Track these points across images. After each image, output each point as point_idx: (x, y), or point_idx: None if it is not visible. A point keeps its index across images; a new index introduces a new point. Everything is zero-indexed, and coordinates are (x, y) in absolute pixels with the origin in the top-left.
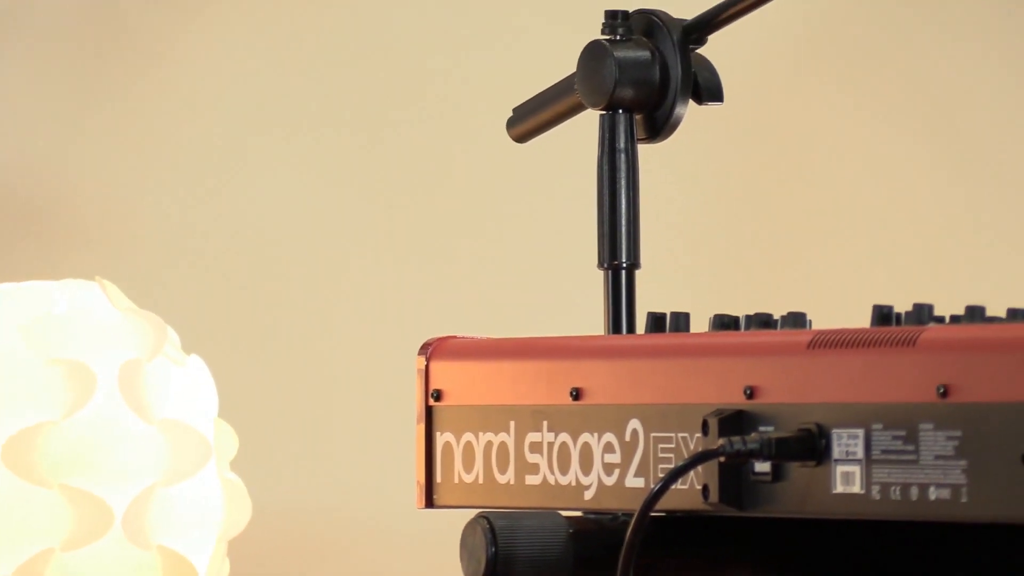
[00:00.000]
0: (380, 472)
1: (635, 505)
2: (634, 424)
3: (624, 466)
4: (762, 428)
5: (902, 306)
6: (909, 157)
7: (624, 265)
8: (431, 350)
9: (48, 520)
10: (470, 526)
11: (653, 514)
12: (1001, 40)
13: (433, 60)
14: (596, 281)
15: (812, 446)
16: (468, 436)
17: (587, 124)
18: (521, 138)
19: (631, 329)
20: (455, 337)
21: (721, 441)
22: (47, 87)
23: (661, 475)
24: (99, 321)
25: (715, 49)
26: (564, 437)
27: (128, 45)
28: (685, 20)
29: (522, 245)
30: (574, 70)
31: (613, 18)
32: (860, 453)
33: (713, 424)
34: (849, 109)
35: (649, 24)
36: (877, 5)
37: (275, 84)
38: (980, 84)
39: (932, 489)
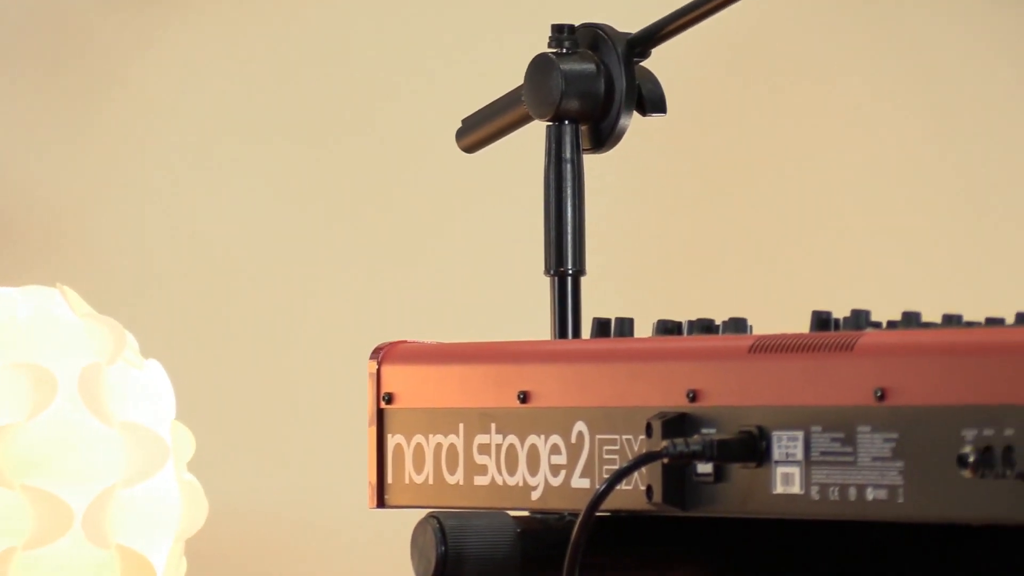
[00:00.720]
0: (333, 473)
1: (581, 505)
2: (580, 426)
3: (570, 467)
4: (704, 430)
5: (840, 312)
6: (844, 165)
7: (570, 272)
8: (382, 354)
9: (10, 520)
10: (420, 526)
11: (598, 514)
12: (928, 50)
13: (385, 74)
14: (543, 287)
15: (753, 448)
16: (418, 438)
17: (534, 135)
18: (470, 148)
19: (577, 334)
20: (406, 342)
21: (664, 443)
22: (8, 97)
23: (606, 476)
24: (60, 326)
25: (658, 61)
26: (512, 439)
27: (89, 55)
28: (629, 34)
29: (471, 252)
30: (521, 82)
31: (559, 32)
32: (800, 455)
33: (657, 426)
34: (786, 119)
35: (594, 38)
36: (811, 17)
37: (234, 95)
38: (910, 91)
39: (869, 490)
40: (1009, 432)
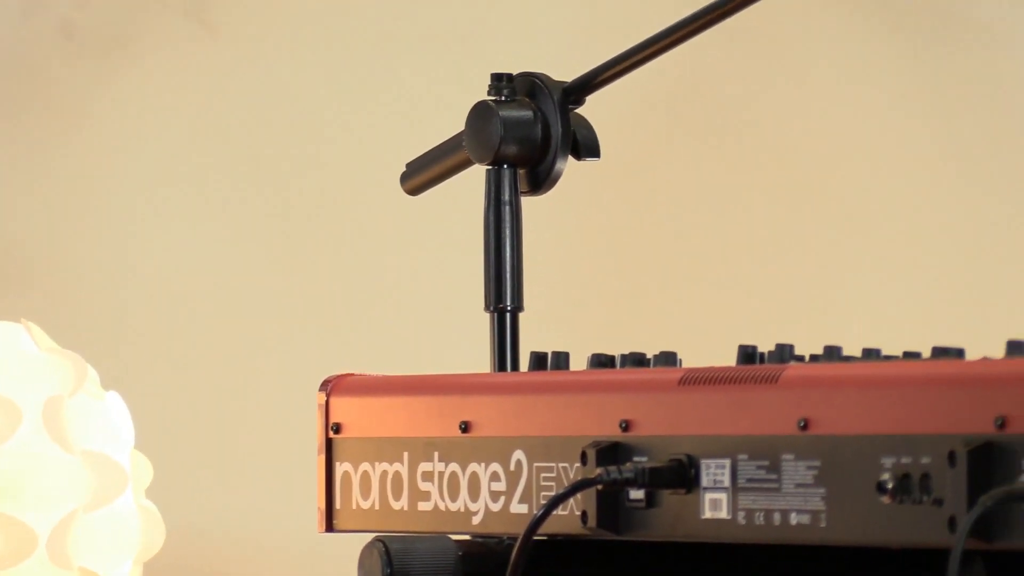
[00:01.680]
0: (284, 499)
1: (519, 529)
2: (518, 455)
3: (509, 493)
4: (636, 458)
5: (765, 346)
6: (767, 207)
7: (508, 308)
8: (331, 387)
9: None
10: (367, 549)
11: (536, 538)
12: (861, 101)
13: (333, 118)
14: (483, 323)
15: (683, 475)
16: (365, 466)
17: (474, 178)
18: (414, 191)
19: (515, 367)
20: (353, 375)
21: (599, 470)
22: None
23: (543, 502)
24: (24, 360)
25: (592, 108)
26: (454, 467)
27: (50, 98)
28: (564, 82)
29: (415, 289)
30: (462, 128)
31: (498, 80)
32: (727, 482)
33: (591, 455)
34: (714, 163)
35: (532, 86)
36: (742, 65)
37: (188, 138)
38: (837, 138)
39: (793, 515)
40: (926, 460)
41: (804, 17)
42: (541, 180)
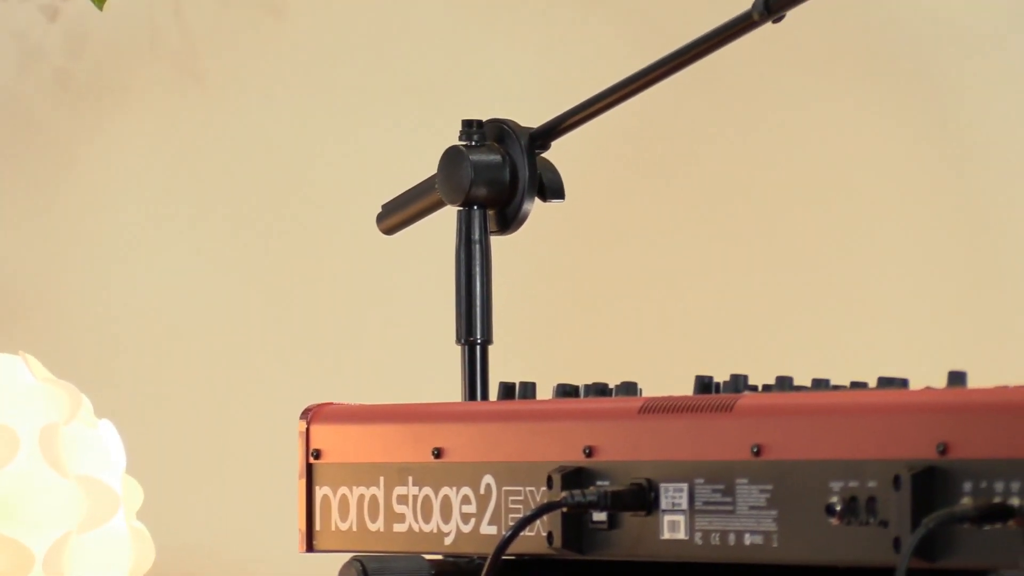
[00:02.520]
0: (267, 521)
1: (489, 549)
2: (488, 479)
3: (479, 516)
4: (599, 483)
5: (721, 376)
6: (720, 246)
7: (479, 341)
8: (311, 415)
9: None
10: (345, 568)
11: (504, 557)
12: (812, 143)
13: (312, 163)
14: (454, 355)
15: (643, 498)
16: (343, 490)
17: (446, 219)
18: (389, 231)
19: (485, 396)
20: (332, 404)
21: (564, 494)
22: None
23: (511, 523)
24: (22, 390)
25: (557, 152)
26: (427, 490)
27: (44, 141)
28: (531, 128)
29: (390, 323)
30: (435, 171)
31: (469, 126)
32: (685, 504)
33: (556, 479)
34: (670, 204)
35: (500, 131)
36: (698, 111)
37: (175, 179)
38: (788, 178)
39: (747, 536)
40: (872, 484)
41: (757, 63)
42: (509, 220)
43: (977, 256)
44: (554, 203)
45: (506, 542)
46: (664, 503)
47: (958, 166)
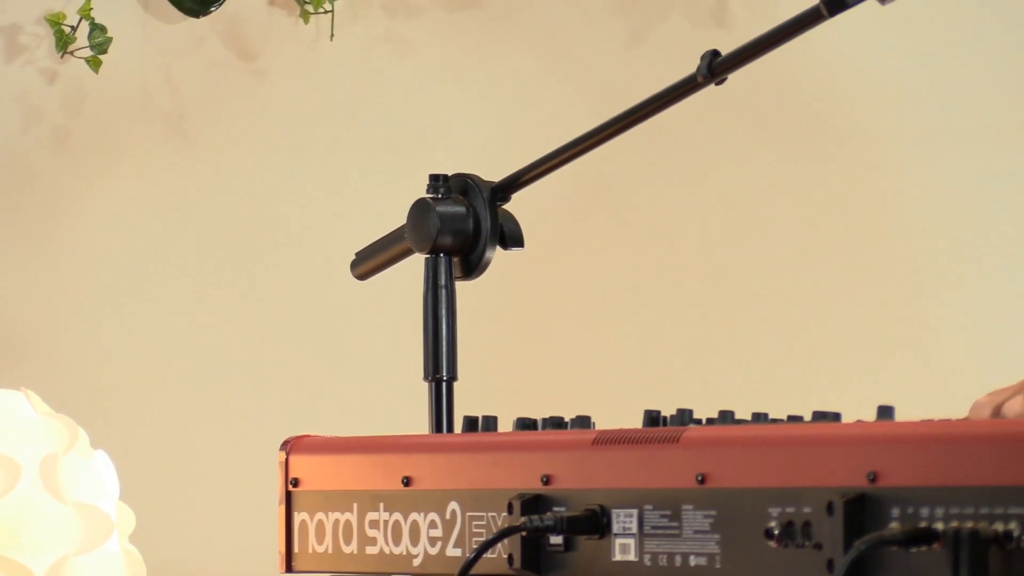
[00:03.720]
0: (250, 543)
1: (454, 571)
2: (453, 505)
3: (445, 539)
4: (556, 508)
5: (668, 410)
6: (663, 289)
7: (444, 378)
8: (290, 446)
9: None
10: None
11: None
12: (735, 197)
13: (292, 214)
14: (422, 391)
15: (596, 523)
16: (320, 515)
17: (414, 265)
18: (362, 276)
19: (450, 429)
20: (309, 436)
21: (523, 519)
22: None
23: (475, 546)
24: (23, 423)
25: (517, 204)
26: (397, 516)
27: (48, 198)
28: (493, 182)
29: (363, 362)
30: (405, 222)
31: (435, 180)
32: (635, 528)
33: (516, 505)
34: (620, 250)
35: (464, 185)
36: (644, 167)
37: (165, 232)
38: (719, 227)
39: (692, 557)
40: (807, 510)
41: (697, 125)
42: (473, 267)
43: (899, 300)
44: (514, 250)
45: (470, 564)
46: (616, 527)
47: (879, 216)
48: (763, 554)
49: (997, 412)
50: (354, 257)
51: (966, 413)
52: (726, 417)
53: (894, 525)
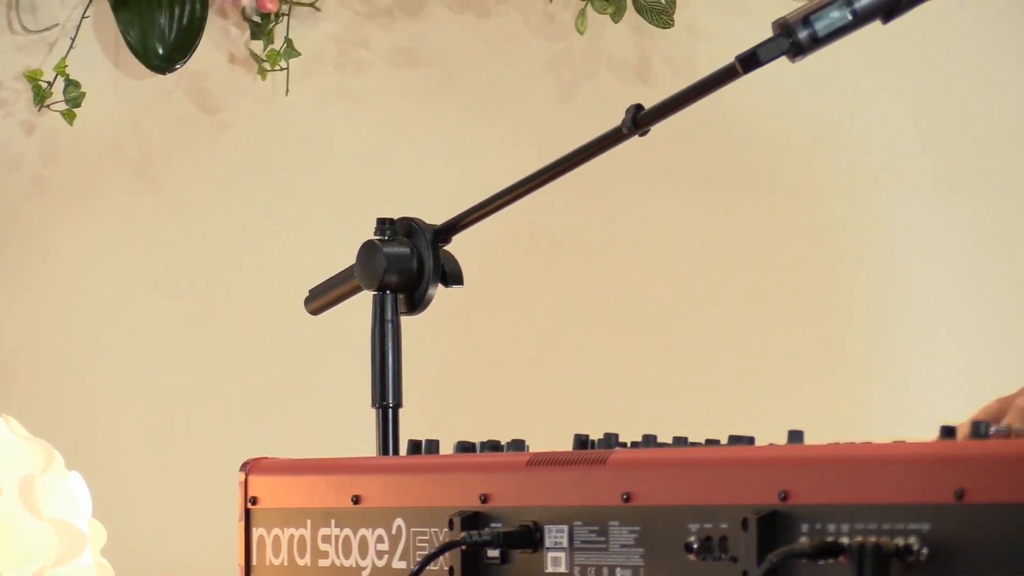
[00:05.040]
0: (211, 557)
1: None
2: (399, 522)
3: (391, 553)
4: (493, 525)
5: (595, 434)
6: (592, 322)
7: (391, 405)
8: (249, 467)
9: None
10: None
11: None
12: (658, 238)
13: (250, 254)
14: (370, 416)
15: (530, 538)
16: (276, 530)
17: (363, 302)
18: (315, 311)
19: (396, 452)
20: (266, 458)
21: (463, 534)
22: None
23: (418, 560)
24: (4, 446)
25: (457, 245)
26: (347, 531)
27: (27, 239)
28: (435, 225)
29: (317, 390)
30: (354, 262)
31: (383, 223)
32: (565, 543)
33: (456, 522)
34: (549, 286)
35: (409, 228)
36: (576, 210)
37: (134, 269)
38: (645, 265)
39: (618, 570)
40: (724, 525)
41: (626, 170)
42: (417, 303)
43: (810, 333)
44: (454, 288)
45: (413, 575)
46: (548, 542)
47: (791, 253)
48: (683, 567)
49: (1003, 409)
50: (308, 294)
51: (870, 438)
52: (649, 441)
53: (803, 540)
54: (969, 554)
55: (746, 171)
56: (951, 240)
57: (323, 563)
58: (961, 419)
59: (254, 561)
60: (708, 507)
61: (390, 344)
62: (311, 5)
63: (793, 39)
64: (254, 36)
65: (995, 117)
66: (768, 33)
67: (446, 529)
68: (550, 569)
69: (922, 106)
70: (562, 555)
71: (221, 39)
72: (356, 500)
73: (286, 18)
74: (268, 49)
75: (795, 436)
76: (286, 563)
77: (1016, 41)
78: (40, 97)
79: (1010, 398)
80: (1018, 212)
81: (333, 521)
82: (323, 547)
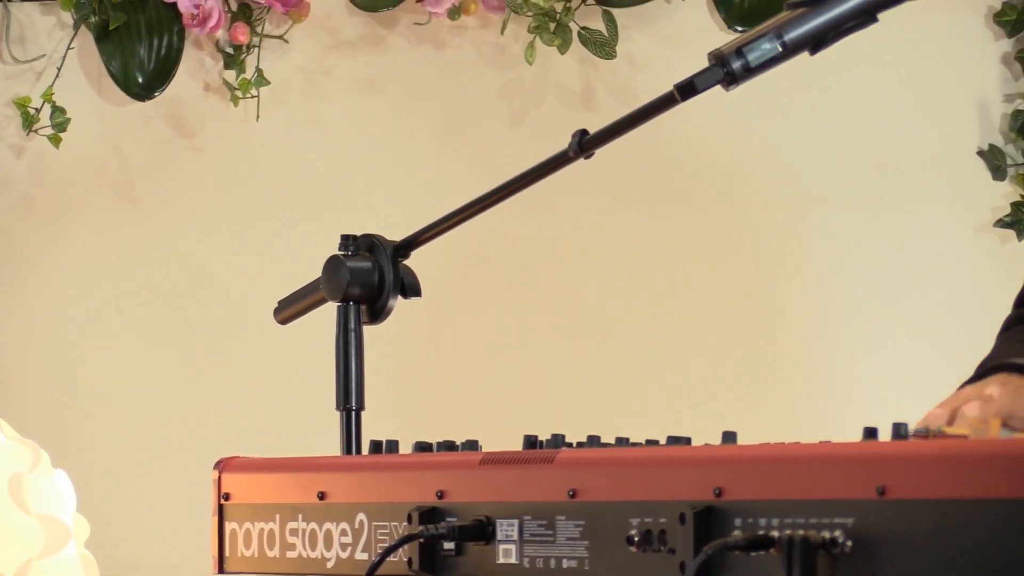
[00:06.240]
0: (188, 548)
1: (362, 572)
2: (361, 516)
3: (354, 545)
4: (448, 519)
5: (544, 435)
6: (540, 331)
7: (354, 408)
8: (222, 466)
9: None
10: None
11: None
12: (605, 254)
13: (223, 269)
14: (334, 418)
15: (483, 531)
16: (248, 524)
17: (328, 312)
18: (284, 321)
19: (359, 451)
20: (239, 457)
21: (421, 528)
22: None
23: (379, 551)
24: None
25: (416, 259)
26: (313, 525)
27: (16, 254)
28: (395, 241)
29: (285, 394)
30: (320, 275)
31: (346, 239)
32: (516, 536)
33: (415, 516)
34: (501, 298)
35: (371, 243)
36: (524, 227)
37: (116, 282)
38: (590, 278)
39: (565, 561)
40: (663, 520)
41: (572, 191)
42: (378, 313)
43: (743, 340)
44: (413, 299)
45: (375, 566)
46: (500, 535)
47: (726, 265)
48: (625, 558)
49: (954, 416)
50: (277, 305)
51: (799, 438)
52: (593, 441)
53: (736, 533)
54: (890, 546)
55: (682, 191)
56: (872, 255)
57: (291, 555)
58: (882, 422)
59: (227, 553)
60: (648, 503)
61: (353, 352)
62: (280, 38)
63: (727, 69)
64: (227, 66)
65: (913, 143)
66: (704, 64)
67: (405, 523)
68: (501, 560)
69: (847, 132)
70: (513, 547)
71: (196, 69)
72: (322, 496)
73: (257, 49)
74: (240, 78)
75: (729, 437)
76: (256, 555)
77: (934, 71)
78: (29, 122)
79: (952, 402)
80: (933, 229)
81: (300, 516)
82: (291, 540)
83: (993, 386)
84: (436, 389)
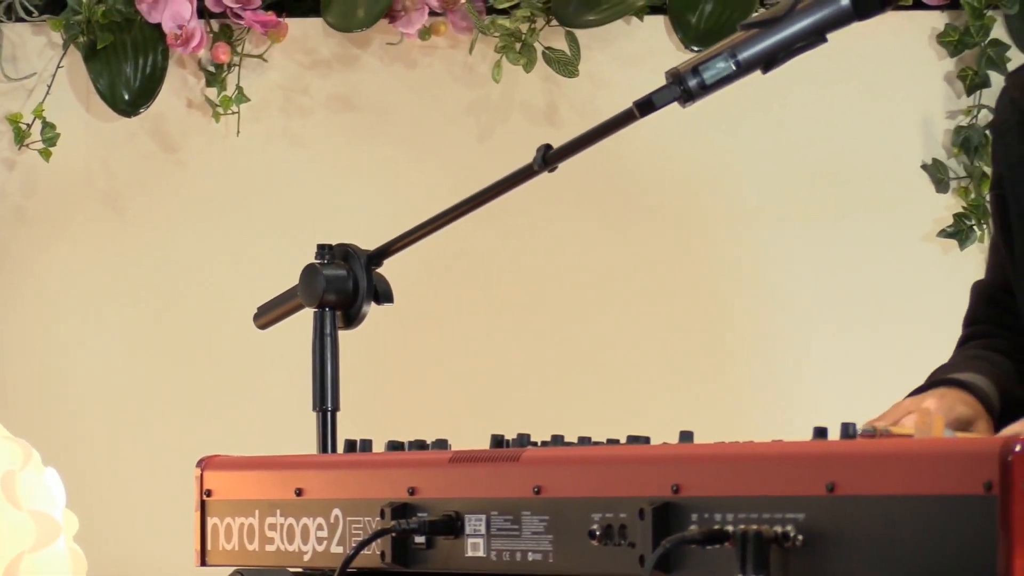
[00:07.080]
0: (171, 542)
1: (337, 564)
2: (336, 511)
3: (330, 539)
4: (419, 514)
5: (510, 434)
6: (504, 339)
7: (329, 409)
8: (204, 463)
9: None
10: None
11: (349, 570)
12: (572, 262)
13: (206, 275)
14: (311, 419)
15: (452, 526)
16: (228, 519)
17: (305, 318)
18: (263, 326)
19: (334, 450)
20: (220, 455)
21: (393, 523)
22: None
23: (354, 545)
24: None
25: (388, 267)
26: (291, 520)
27: (8, 263)
28: (369, 250)
29: (264, 395)
30: (297, 282)
31: (322, 249)
32: (483, 530)
33: (388, 512)
34: (471, 305)
35: (346, 252)
36: (493, 238)
37: (103, 290)
38: (557, 285)
39: (530, 554)
40: (623, 515)
41: (536, 202)
42: (352, 319)
43: (699, 343)
44: (386, 306)
45: (349, 559)
46: (468, 529)
47: (689, 274)
48: (587, 551)
49: (896, 424)
50: (256, 311)
51: (752, 437)
52: (557, 440)
53: (693, 528)
54: (839, 540)
55: (641, 202)
56: (821, 263)
57: (269, 548)
58: (831, 420)
59: (209, 547)
60: (609, 499)
61: (329, 355)
62: (259, 57)
63: (684, 87)
64: (209, 84)
65: (861, 157)
66: (662, 82)
67: (378, 518)
68: (470, 554)
69: (797, 146)
70: (480, 541)
71: (180, 86)
72: (299, 492)
73: (237, 68)
74: (221, 95)
75: (686, 436)
76: (237, 548)
77: (881, 89)
78: (20, 137)
79: (893, 413)
80: (879, 239)
81: (278, 511)
82: (270, 534)
83: (931, 399)
84: (408, 391)
